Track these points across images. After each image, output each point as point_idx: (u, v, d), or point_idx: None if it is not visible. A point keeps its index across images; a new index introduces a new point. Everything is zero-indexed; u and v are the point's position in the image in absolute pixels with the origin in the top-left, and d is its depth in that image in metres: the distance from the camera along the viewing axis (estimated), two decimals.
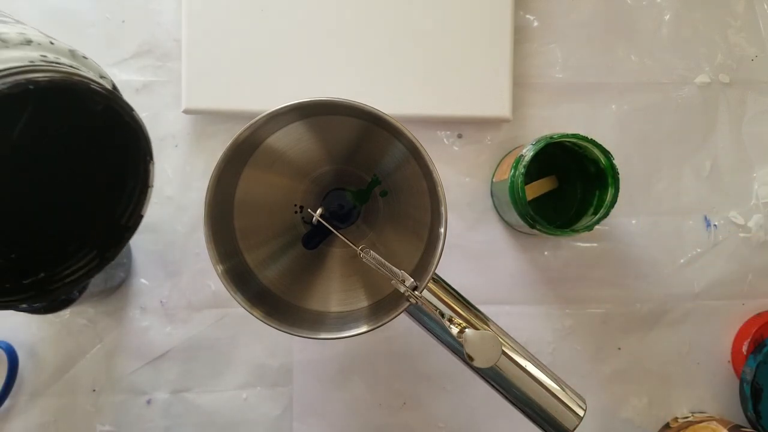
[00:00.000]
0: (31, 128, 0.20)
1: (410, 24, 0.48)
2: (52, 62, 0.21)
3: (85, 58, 0.23)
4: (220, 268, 0.34)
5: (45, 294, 0.25)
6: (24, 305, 0.24)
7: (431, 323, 0.36)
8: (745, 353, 0.49)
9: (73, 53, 0.23)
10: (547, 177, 0.49)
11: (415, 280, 0.32)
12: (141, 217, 0.27)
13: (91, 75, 0.22)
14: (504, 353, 0.35)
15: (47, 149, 0.24)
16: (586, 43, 0.51)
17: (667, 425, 0.50)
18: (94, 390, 0.49)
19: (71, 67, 0.22)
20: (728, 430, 0.45)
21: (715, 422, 0.47)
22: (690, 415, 0.50)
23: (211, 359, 0.49)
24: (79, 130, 0.24)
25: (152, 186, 0.26)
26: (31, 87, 0.20)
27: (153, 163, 0.26)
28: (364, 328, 0.33)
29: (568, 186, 0.49)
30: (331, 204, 0.42)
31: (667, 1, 0.52)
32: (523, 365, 0.36)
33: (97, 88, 0.22)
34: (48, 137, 0.23)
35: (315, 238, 0.41)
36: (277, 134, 0.37)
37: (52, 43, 0.22)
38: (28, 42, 0.21)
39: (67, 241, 0.26)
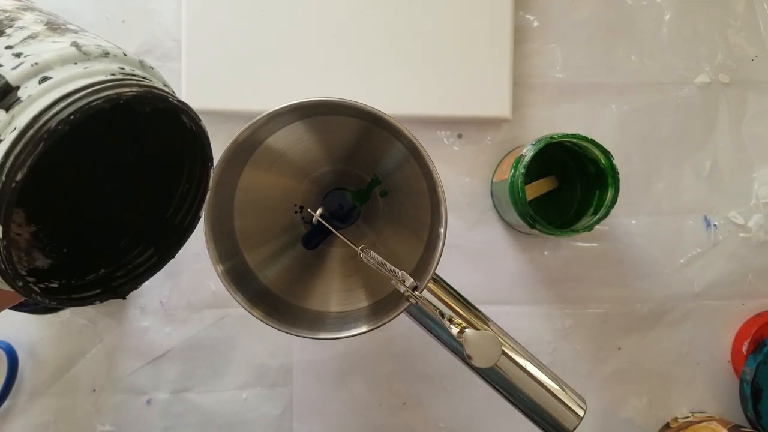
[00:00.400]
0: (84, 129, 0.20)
1: (410, 24, 0.48)
2: (129, 74, 0.22)
3: (151, 68, 0.23)
4: (220, 268, 0.34)
5: (113, 291, 0.25)
6: (98, 301, 0.24)
7: (431, 323, 0.36)
8: (745, 353, 0.49)
9: (142, 64, 0.23)
10: (547, 177, 0.49)
11: (415, 280, 0.32)
12: (199, 218, 0.27)
13: (160, 85, 0.23)
14: (504, 353, 0.35)
15: (95, 146, 0.25)
16: (586, 43, 0.51)
17: (667, 425, 0.50)
18: (94, 390, 0.49)
19: (144, 78, 0.22)
20: (728, 430, 0.45)
21: (715, 422, 0.47)
22: (690, 415, 0.50)
23: (211, 359, 0.49)
24: (131, 131, 0.25)
25: (210, 190, 0.27)
26: (121, 102, 0.20)
27: (213, 169, 0.26)
28: (364, 328, 0.33)
29: (568, 186, 0.49)
30: (331, 204, 0.42)
31: (667, 1, 0.52)
32: (523, 365, 0.36)
33: (174, 102, 0.23)
34: (97, 136, 0.24)
35: (315, 238, 0.41)
36: (277, 134, 0.37)
37: (125, 55, 0.22)
38: (106, 54, 0.22)
39: (117, 238, 0.26)
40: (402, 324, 0.40)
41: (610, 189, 0.44)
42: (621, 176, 0.43)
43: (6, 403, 0.48)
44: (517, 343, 0.37)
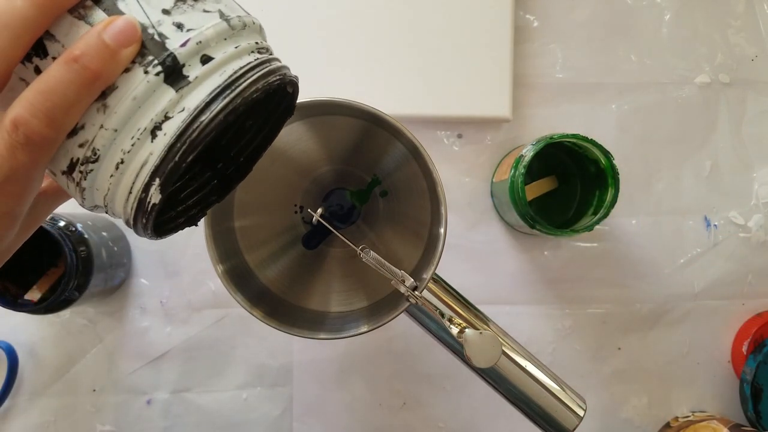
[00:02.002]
0: None
1: (410, 24, 0.48)
2: (262, 48, 0.23)
3: (262, 28, 0.24)
4: (220, 268, 0.34)
5: (184, 215, 0.26)
6: (179, 227, 0.24)
7: (431, 323, 0.36)
8: (745, 353, 0.49)
9: (260, 29, 0.24)
10: (547, 177, 0.49)
11: (415, 280, 0.32)
12: (257, 159, 0.28)
13: (281, 60, 0.24)
14: (504, 353, 0.35)
15: None
16: (586, 43, 0.51)
17: (667, 425, 0.50)
18: (94, 390, 0.49)
19: (268, 52, 0.23)
20: (729, 429, 0.45)
21: (715, 421, 0.47)
22: (690, 414, 0.50)
23: (211, 359, 0.49)
24: None
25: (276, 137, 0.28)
26: (270, 91, 0.22)
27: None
28: (364, 328, 0.33)
29: (568, 186, 0.49)
30: (331, 204, 0.42)
31: (667, 1, 0.52)
32: (523, 365, 0.36)
33: (295, 81, 0.24)
34: None
35: (315, 238, 0.41)
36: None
37: (253, 23, 0.23)
38: (244, 26, 0.22)
39: None
40: (402, 324, 0.40)
41: (610, 189, 0.44)
42: (621, 176, 0.43)
43: (6, 403, 0.48)
44: (517, 343, 0.37)
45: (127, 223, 0.22)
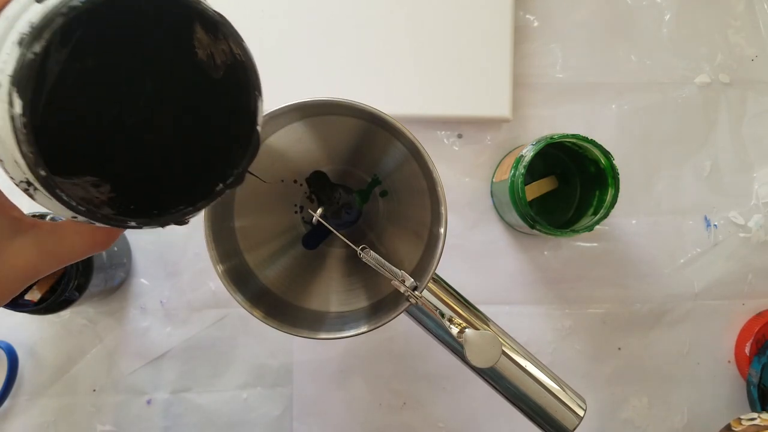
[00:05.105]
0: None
1: (410, 24, 0.48)
2: None
3: None
4: (220, 268, 0.34)
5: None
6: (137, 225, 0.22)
7: (431, 323, 0.36)
8: (747, 354, 0.49)
9: None
10: (547, 177, 0.49)
11: (415, 280, 0.32)
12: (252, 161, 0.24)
13: None
14: (504, 353, 0.35)
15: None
16: (586, 43, 0.51)
17: (728, 427, 0.49)
18: (94, 390, 0.49)
19: None
20: None
21: None
22: (757, 416, 0.49)
23: (211, 359, 0.49)
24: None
25: (260, 126, 0.23)
26: None
27: (262, 100, 0.22)
28: (364, 328, 0.33)
29: (568, 186, 0.49)
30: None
31: (667, 1, 0.52)
32: (523, 365, 0.36)
33: (211, 12, 0.20)
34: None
35: (315, 238, 0.41)
36: (277, 134, 0.37)
37: None
38: None
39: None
40: (402, 324, 0.40)
41: (610, 189, 0.44)
42: (621, 176, 0.43)
43: (6, 403, 0.48)
44: (517, 343, 0.37)
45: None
